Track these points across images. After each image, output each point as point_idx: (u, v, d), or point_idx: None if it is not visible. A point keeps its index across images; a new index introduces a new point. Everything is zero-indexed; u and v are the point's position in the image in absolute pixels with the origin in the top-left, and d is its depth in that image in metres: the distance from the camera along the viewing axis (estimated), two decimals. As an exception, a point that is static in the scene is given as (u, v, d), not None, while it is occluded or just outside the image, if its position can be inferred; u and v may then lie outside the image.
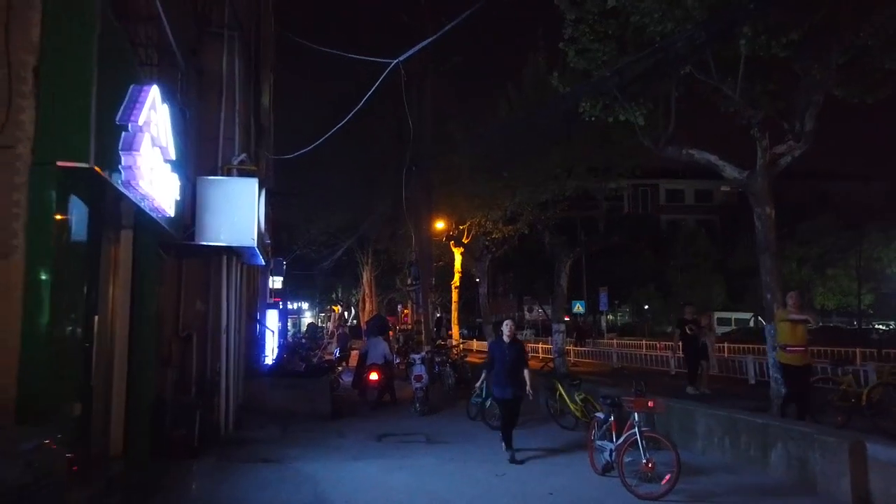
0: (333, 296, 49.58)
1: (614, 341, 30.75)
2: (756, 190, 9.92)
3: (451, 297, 26.71)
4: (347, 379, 14.78)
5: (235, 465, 7.38)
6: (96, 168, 4.47)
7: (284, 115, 18.87)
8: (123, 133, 5.09)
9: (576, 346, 25.31)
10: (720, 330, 28.63)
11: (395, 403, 12.69)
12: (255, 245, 8.58)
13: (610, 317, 44.82)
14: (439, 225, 22.88)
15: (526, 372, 8.07)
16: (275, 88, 17.70)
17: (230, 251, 9.17)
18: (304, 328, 42.65)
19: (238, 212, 8.33)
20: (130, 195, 5.32)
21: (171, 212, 6.54)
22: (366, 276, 35.69)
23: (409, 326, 27.45)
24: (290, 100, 20.26)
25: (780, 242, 9.97)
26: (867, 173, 42.95)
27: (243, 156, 9.39)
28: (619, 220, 45.41)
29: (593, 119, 11.14)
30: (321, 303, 54.34)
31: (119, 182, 5.07)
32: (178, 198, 6.91)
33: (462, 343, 24.79)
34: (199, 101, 9.28)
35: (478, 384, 9.33)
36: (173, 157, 6.23)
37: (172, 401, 7.95)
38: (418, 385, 11.64)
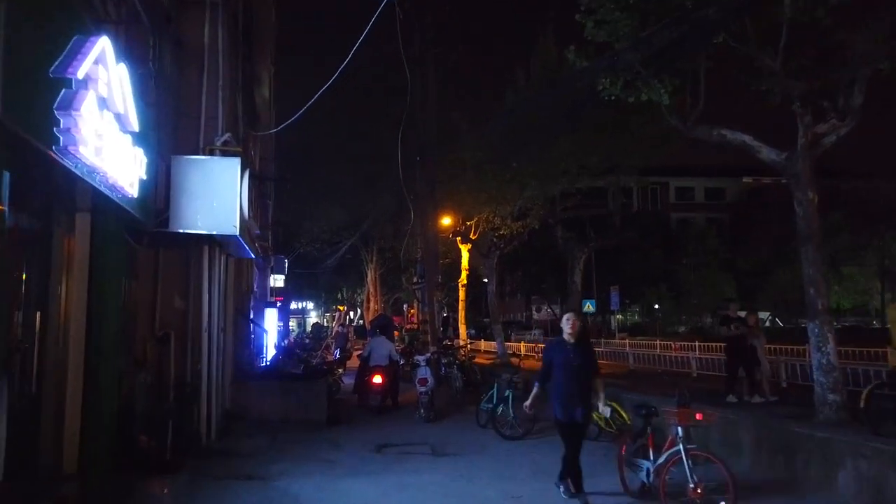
0: (339, 295, 48.80)
1: (626, 341, 29.68)
2: (797, 172, 8.90)
3: (457, 296, 25.76)
4: (349, 381, 13.87)
5: (212, 483, 6.47)
6: (8, 125, 3.55)
7: (286, 107, 18.07)
8: (63, 90, 4.21)
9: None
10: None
11: (398, 408, 11.77)
12: (238, 233, 7.65)
13: (619, 316, 43.70)
14: (445, 221, 21.91)
15: (599, 382, 6.07)
16: (277, 82, 16.86)
17: (212, 241, 8.25)
18: (309, 328, 41.89)
19: (218, 196, 7.40)
20: (71, 165, 4.39)
21: (132, 191, 5.61)
22: (370, 275, 34.86)
23: (416, 326, 26.57)
24: (292, 94, 19.45)
25: (794, 240, 8.83)
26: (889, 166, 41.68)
27: (227, 135, 8.46)
28: (629, 218, 44.42)
29: (613, 98, 10.14)
30: (326, 302, 53.61)
31: (55, 149, 4.16)
32: (145, 177, 5.99)
33: (470, 343, 23.81)
34: (180, 75, 8.39)
35: (527, 403, 6.27)
36: (135, 127, 5.30)
37: (144, 408, 7.05)
38: (423, 389, 10.70)
